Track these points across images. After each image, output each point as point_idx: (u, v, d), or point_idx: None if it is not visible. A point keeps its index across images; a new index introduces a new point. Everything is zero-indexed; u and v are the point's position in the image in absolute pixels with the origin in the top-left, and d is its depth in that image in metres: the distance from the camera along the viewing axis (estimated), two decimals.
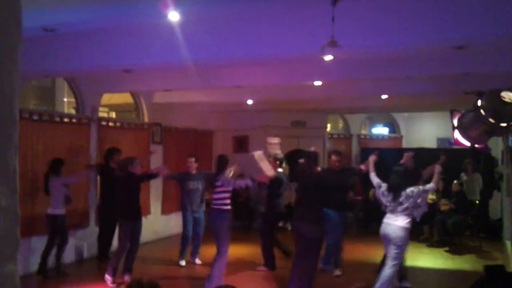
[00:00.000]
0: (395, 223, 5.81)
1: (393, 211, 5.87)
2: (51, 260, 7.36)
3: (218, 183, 6.57)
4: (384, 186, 6.06)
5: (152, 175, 7.61)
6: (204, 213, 8.33)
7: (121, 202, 7.04)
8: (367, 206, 11.58)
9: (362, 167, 6.67)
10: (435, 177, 6.10)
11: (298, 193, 6.56)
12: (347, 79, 7.61)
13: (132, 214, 7.02)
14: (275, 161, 7.62)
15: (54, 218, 7.22)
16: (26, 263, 7.22)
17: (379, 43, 4.83)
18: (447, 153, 7.25)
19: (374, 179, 6.22)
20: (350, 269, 7.74)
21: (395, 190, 5.90)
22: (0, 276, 1.24)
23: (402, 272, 6.60)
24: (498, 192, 11.23)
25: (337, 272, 7.50)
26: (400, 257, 5.92)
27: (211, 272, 6.45)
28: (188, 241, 8.30)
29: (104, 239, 8.40)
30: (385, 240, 5.96)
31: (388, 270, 5.84)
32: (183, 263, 8.23)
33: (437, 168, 6.16)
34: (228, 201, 6.59)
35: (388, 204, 5.95)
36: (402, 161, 6.44)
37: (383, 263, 6.28)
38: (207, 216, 7.49)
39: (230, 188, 6.56)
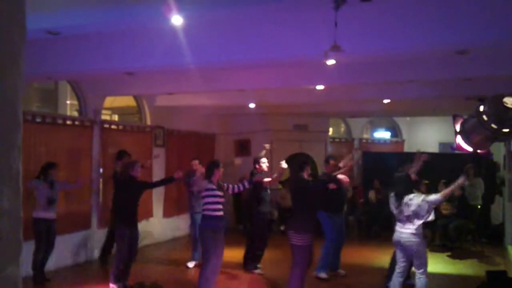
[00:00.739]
0: (407, 231, 5.63)
1: (400, 220, 5.73)
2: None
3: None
4: (392, 192, 5.94)
5: (169, 179, 7.40)
6: None
7: (119, 205, 6.84)
8: (368, 208, 11.56)
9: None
10: (449, 188, 5.63)
11: (291, 200, 6.51)
12: (349, 83, 7.61)
13: (129, 219, 6.67)
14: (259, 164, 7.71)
15: (35, 221, 6.92)
16: (27, 266, 7.20)
17: (381, 47, 4.84)
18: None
19: None
20: (352, 272, 7.74)
21: (398, 197, 5.78)
22: (2, 278, 1.24)
23: (409, 272, 6.43)
24: (500, 197, 11.21)
25: (325, 276, 7.45)
26: (426, 263, 5.69)
27: (198, 280, 6.21)
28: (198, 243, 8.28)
29: (108, 242, 8.38)
30: (399, 246, 5.81)
31: (421, 281, 5.65)
32: (191, 265, 8.21)
33: (461, 179, 5.55)
34: (217, 206, 6.21)
35: (395, 211, 5.82)
36: (414, 165, 6.21)
37: (391, 268, 6.23)
38: None
39: (217, 193, 6.28)
